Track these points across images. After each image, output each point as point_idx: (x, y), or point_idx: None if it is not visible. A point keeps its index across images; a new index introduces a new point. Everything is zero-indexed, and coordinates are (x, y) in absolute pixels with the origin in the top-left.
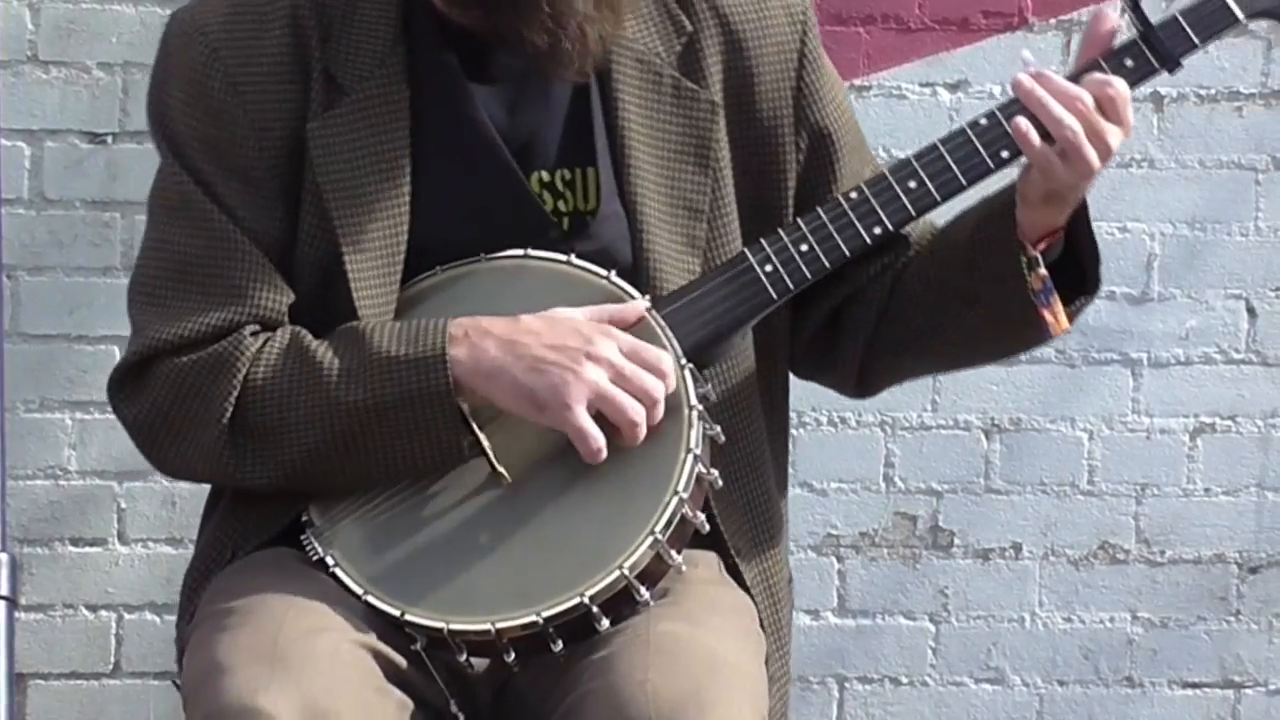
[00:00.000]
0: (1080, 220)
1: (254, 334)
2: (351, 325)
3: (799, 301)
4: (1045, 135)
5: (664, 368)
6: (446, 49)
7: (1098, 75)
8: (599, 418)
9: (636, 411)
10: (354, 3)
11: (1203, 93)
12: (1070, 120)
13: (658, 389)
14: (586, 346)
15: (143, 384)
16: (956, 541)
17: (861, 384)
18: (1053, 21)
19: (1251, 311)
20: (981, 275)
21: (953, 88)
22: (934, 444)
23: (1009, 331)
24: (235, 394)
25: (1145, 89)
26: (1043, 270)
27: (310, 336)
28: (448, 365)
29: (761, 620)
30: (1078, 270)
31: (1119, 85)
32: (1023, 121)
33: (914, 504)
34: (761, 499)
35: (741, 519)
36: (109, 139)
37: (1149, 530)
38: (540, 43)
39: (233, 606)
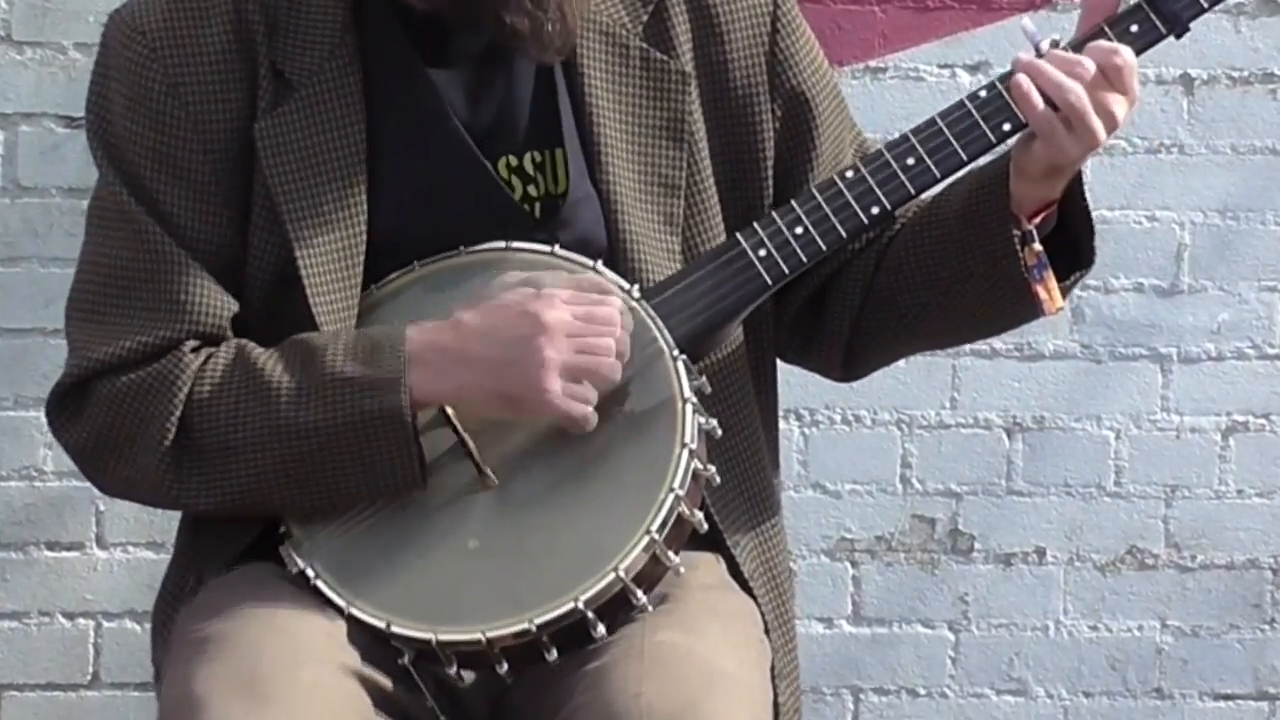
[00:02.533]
0: (1074, 192)
1: (195, 349)
2: (303, 338)
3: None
4: (1049, 104)
5: (611, 312)
6: (400, 35)
7: (1102, 43)
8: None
9: (610, 365)
10: None
11: (1235, 75)
12: (1073, 84)
13: (613, 314)
14: (536, 326)
15: (82, 407)
16: (977, 546)
17: (848, 365)
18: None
19: None
20: (973, 251)
21: (973, 69)
22: (953, 443)
23: (1000, 309)
24: (177, 414)
25: (1174, 71)
26: (1037, 245)
27: (258, 350)
28: (402, 389)
29: (765, 616)
30: (1071, 243)
31: (1125, 53)
32: (1024, 80)
33: (932, 506)
34: (760, 491)
35: (740, 513)
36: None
37: (1179, 534)
38: (521, 26)
39: (209, 633)
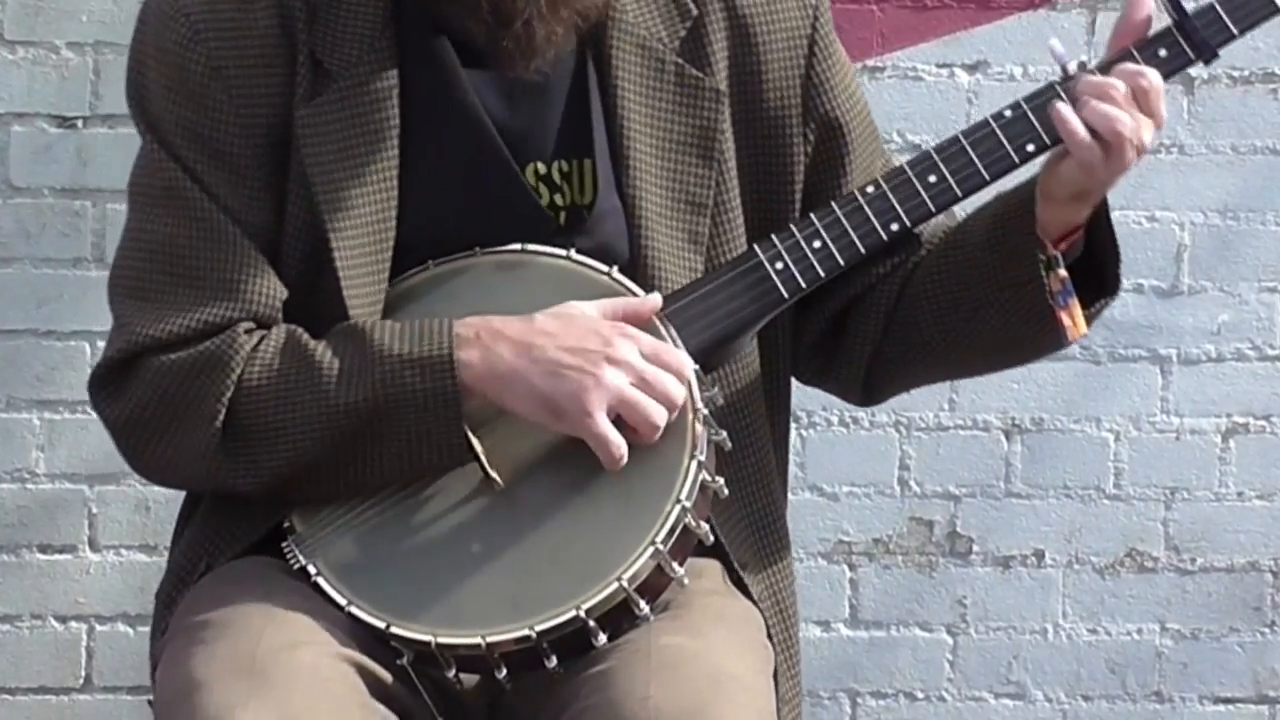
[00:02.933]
0: (1100, 216)
1: (248, 332)
2: (350, 324)
3: (803, 302)
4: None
5: (684, 371)
6: (439, 32)
7: (1130, 65)
8: (616, 421)
9: (659, 415)
10: None
11: (1236, 74)
12: (1122, 114)
13: (679, 392)
14: (606, 349)
15: (127, 382)
16: (975, 548)
17: (868, 391)
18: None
19: None
20: (997, 278)
21: (971, 69)
22: (951, 445)
23: (1024, 337)
24: (229, 395)
25: None
26: (1062, 271)
27: (308, 336)
28: (455, 367)
29: (770, 634)
30: (1096, 269)
31: (1152, 76)
32: (1065, 108)
33: (930, 509)
34: (768, 510)
35: (746, 531)
36: (79, 123)
37: (1179, 537)
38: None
39: (208, 619)
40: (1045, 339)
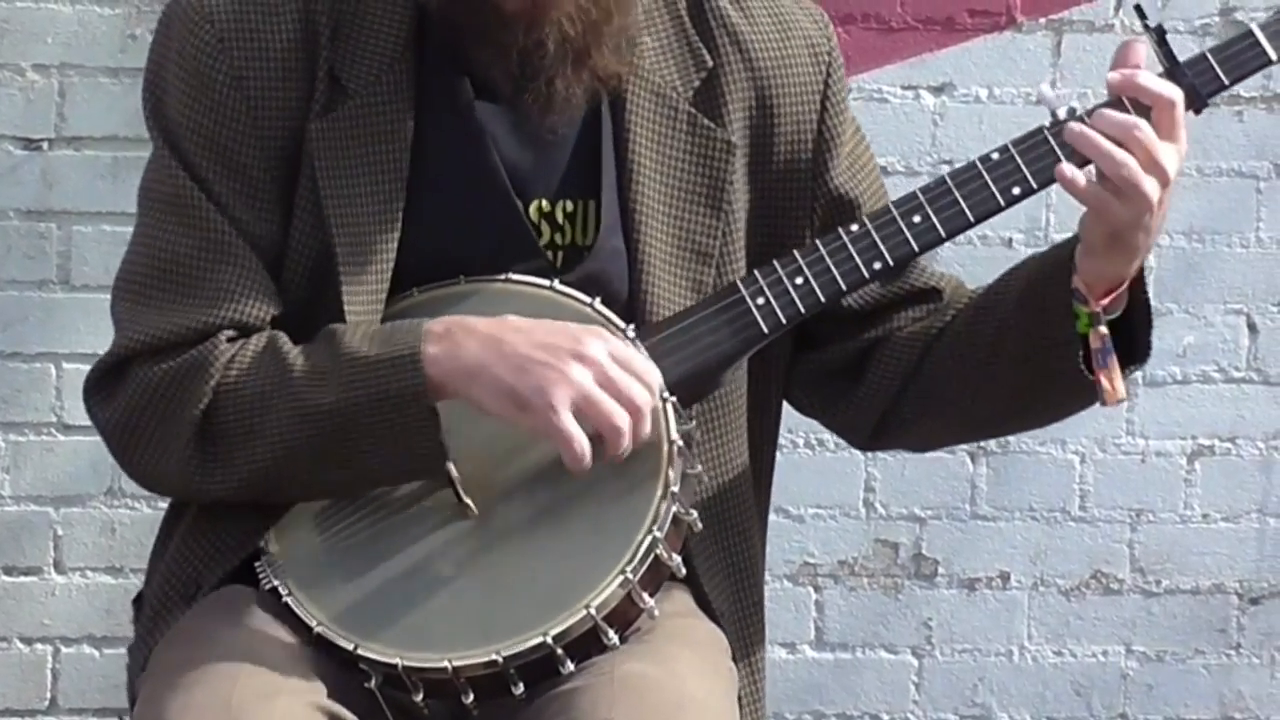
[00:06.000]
0: (1136, 282)
1: (230, 339)
2: (329, 328)
3: (821, 337)
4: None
5: (652, 379)
6: (457, 61)
7: (1164, 85)
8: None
9: (621, 418)
10: (366, 1)
11: None
12: (1124, 158)
13: (645, 400)
14: (575, 346)
15: (119, 387)
16: (941, 570)
17: (876, 438)
18: (1042, 21)
19: (1252, 327)
20: (1031, 337)
21: (937, 91)
22: (917, 467)
23: (1055, 397)
24: (206, 401)
25: None
26: (1104, 329)
27: (288, 340)
28: (421, 364)
29: (735, 656)
30: (1128, 334)
31: (1175, 94)
32: (1067, 168)
33: (896, 531)
34: (741, 545)
35: (719, 565)
36: (44, 145)
37: (1144, 559)
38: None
39: (187, 659)
40: (1077, 400)
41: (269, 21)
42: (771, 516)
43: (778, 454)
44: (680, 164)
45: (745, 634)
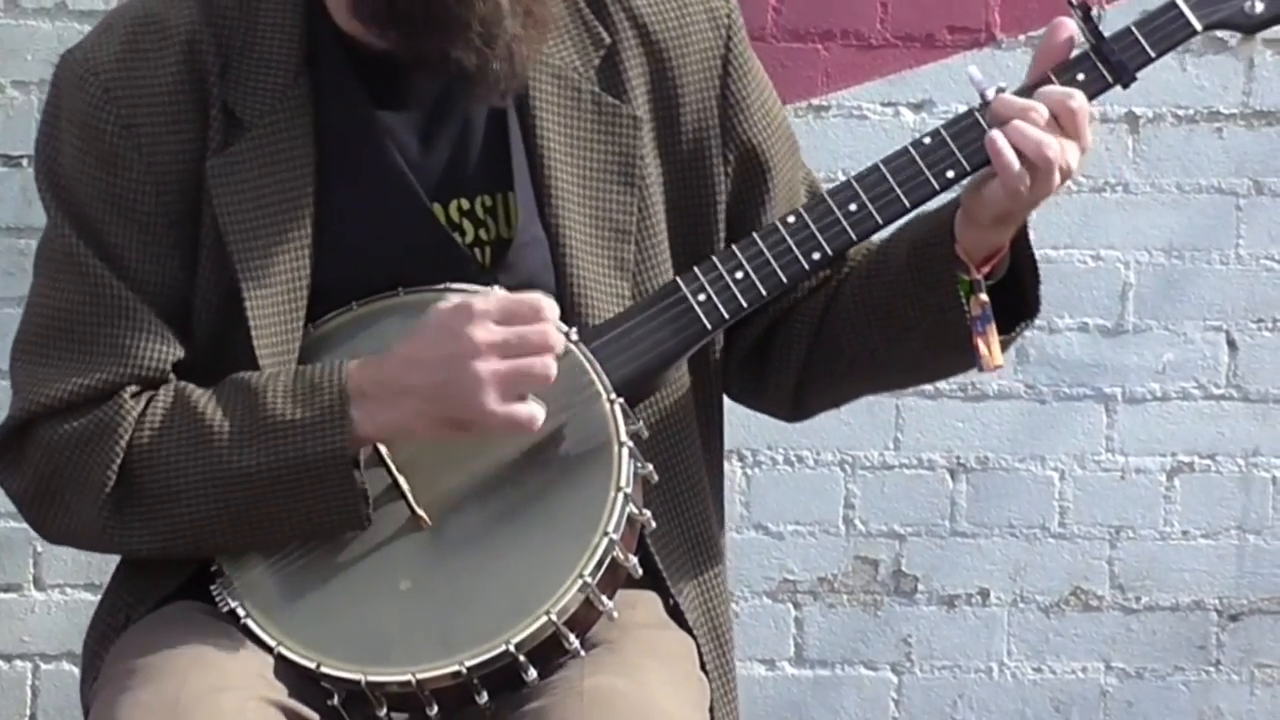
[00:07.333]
0: (1020, 238)
1: (135, 395)
2: (241, 378)
3: (732, 327)
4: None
5: (542, 310)
6: (353, 78)
7: (1056, 88)
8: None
9: (543, 364)
10: (253, 32)
11: (1181, 113)
12: (1050, 139)
13: (546, 331)
14: (462, 345)
15: (24, 452)
16: (920, 587)
17: (796, 407)
18: (1021, 38)
19: (1232, 344)
20: (920, 303)
21: (916, 107)
22: (896, 484)
23: (942, 360)
24: (118, 462)
25: (1120, 109)
26: (983, 295)
27: (198, 393)
28: (345, 426)
29: (705, 664)
30: (1017, 291)
31: (1079, 98)
32: (999, 137)
33: (875, 548)
34: (703, 535)
35: (683, 557)
36: (24, 161)
37: (1124, 575)
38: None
39: (135, 666)
40: (960, 363)
41: (153, 66)
42: (751, 533)
43: (757, 471)
44: (589, 144)
45: (715, 636)
